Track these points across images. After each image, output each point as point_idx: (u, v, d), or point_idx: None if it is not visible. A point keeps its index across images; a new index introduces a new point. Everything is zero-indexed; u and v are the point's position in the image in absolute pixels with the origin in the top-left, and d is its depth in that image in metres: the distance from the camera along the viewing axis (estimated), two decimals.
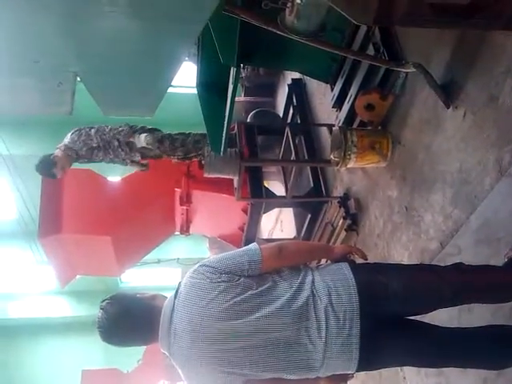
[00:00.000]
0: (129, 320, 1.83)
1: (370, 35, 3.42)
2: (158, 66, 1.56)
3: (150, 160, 4.83)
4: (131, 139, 4.58)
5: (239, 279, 1.78)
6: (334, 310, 1.76)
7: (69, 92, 1.56)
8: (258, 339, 1.75)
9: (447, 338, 1.93)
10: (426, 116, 3.01)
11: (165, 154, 4.74)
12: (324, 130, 4.64)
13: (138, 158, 4.71)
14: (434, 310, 1.97)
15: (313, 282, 1.82)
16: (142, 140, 4.54)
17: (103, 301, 1.86)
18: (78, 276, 6.41)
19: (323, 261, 2.57)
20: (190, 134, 4.81)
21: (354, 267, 1.89)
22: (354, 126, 3.73)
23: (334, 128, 3.73)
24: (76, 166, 4.74)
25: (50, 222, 5.28)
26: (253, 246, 1.88)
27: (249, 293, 1.76)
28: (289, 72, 5.88)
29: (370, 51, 3.39)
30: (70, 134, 4.58)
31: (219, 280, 1.77)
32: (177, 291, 1.83)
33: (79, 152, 4.54)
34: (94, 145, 4.53)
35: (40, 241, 5.48)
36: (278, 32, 2.28)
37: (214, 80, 3.60)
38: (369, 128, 3.56)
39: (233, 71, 3.10)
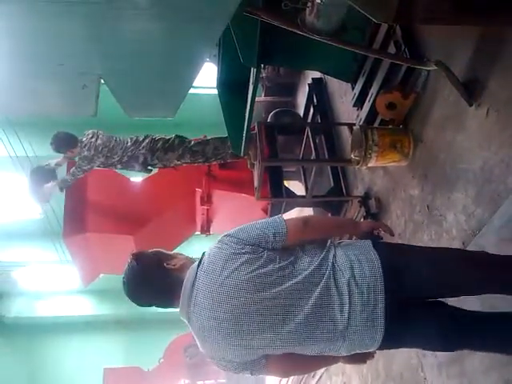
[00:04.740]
0: (148, 285, 1.84)
1: (391, 33, 3.40)
2: (180, 67, 1.58)
3: None
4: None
5: (263, 251, 1.75)
6: (357, 283, 1.72)
7: (93, 94, 1.59)
8: (278, 313, 1.73)
9: (468, 320, 1.88)
10: (448, 114, 2.98)
11: (185, 163, 4.91)
12: (345, 130, 4.61)
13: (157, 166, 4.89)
14: (457, 295, 1.91)
15: (334, 256, 1.78)
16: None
17: (133, 254, 1.86)
18: (100, 275, 6.52)
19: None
20: (209, 141, 4.86)
21: (379, 243, 1.85)
22: (375, 124, 3.71)
23: (354, 127, 3.71)
24: None
25: (75, 221, 5.40)
26: (278, 218, 1.85)
27: (271, 266, 1.73)
28: (309, 71, 5.86)
29: (391, 49, 3.36)
30: (89, 135, 4.70)
31: (243, 251, 1.75)
32: (200, 260, 1.82)
33: (96, 161, 4.71)
34: (115, 160, 4.73)
35: (65, 240, 5.59)
36: (299, 32, 2.29)
37: (235, 80, 3.63)
38: (390, 127, 3.54)
39: (253, 71, 3.12)
